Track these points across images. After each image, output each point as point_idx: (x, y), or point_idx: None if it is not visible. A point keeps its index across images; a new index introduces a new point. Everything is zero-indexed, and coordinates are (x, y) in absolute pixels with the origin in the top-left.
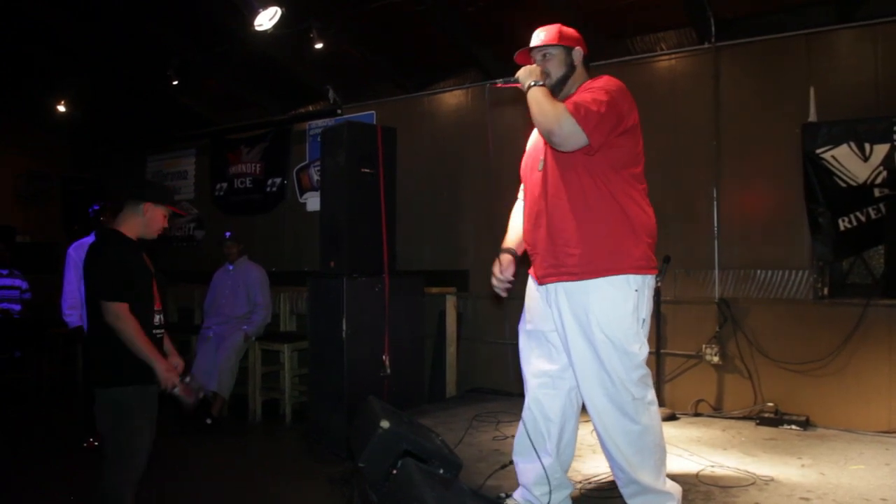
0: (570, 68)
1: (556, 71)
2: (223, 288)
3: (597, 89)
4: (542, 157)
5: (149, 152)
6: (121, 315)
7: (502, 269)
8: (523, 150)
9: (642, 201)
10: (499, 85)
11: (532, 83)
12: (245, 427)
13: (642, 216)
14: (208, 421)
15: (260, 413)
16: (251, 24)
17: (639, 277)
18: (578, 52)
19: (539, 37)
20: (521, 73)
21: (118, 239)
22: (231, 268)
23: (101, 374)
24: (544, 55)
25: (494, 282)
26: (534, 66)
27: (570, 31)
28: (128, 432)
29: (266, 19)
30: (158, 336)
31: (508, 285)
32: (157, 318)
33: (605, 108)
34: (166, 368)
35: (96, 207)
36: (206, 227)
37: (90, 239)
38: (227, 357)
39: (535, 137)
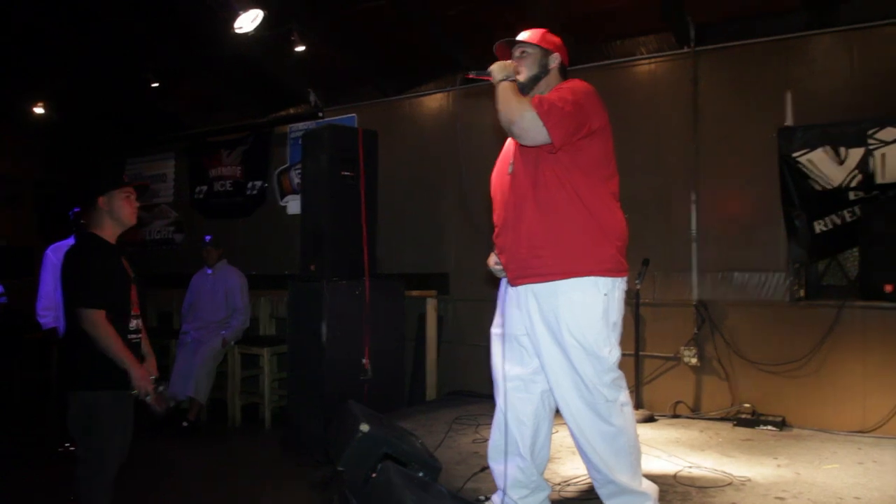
0: (544, 70)
1: (530, 69)
2: (202, 292)
3: (564, 90)
4: (511, 161)
5: (127, 155)
6: (97, 322)
7: (496, 261)
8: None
9: (612, 205)
10: (471, 76)
11: (502, 77)
12: (224, 431)
13: (611, 219)
14: (184, 424)
15: (239, 417)
16: (232, 27)
17: (608, 280)
18: (556, 58)
19: (523, 35)
20: (494, 67)
21: (96, 244)
22: (210, 272)
23: (75, 378)
24: (522, 52)
25: (492, 265)
26: (507, 61)
27: (553, 37)
28: (101, 437)
29: (247, 22)
30: (135, 341)
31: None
32: (134, 323)
33: (570, 107)
34: (141, 376)
35: (77, 210)
36: (185, 230)
37: (69, 242)
38: (204, 362)
39: (507, 143)
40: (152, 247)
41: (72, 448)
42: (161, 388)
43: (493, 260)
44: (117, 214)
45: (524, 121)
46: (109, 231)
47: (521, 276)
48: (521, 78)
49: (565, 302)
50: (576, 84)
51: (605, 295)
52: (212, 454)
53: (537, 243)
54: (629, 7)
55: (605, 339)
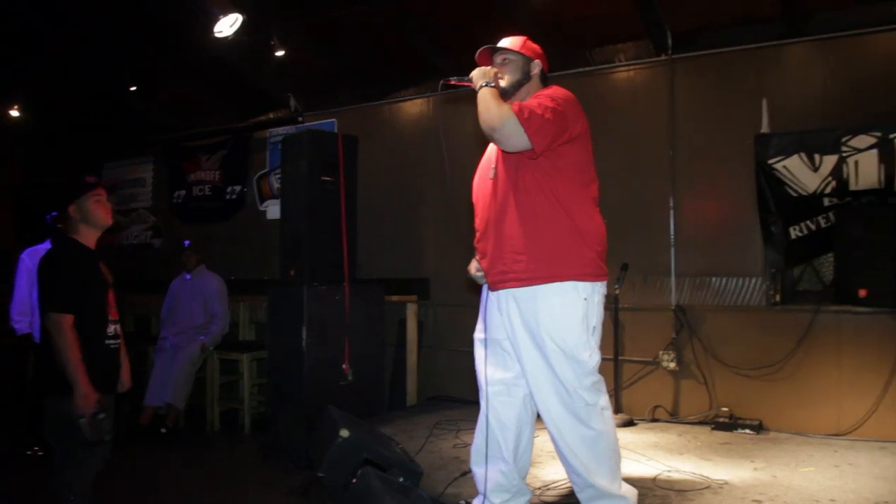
0: (525, 77)
1: (511, 76)
2: (180, 297)
3: (544, 97)
4: (493, 166)
5: (106, 159)
6: (61, 327)
7: (477, 267)
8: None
9: (591, 210)
10: (452, 81)
11: (484, 84)
12: (203, 437)
13: (591, 225)
14: (163, 431)
15: (218, 423)
16: (211, 31)
17: (587, 285)
18: (536, 65)
19: (505, 41)
20: (476, 73)
21: (73, 248)
22: (189, 277)
23: (51, 383)
24: (504, 59)
25: (472, 271)
26: (489, 67)
27: (535, 45)
28: (76, 444)
29: (227, 26)
30: (113, 347)
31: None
32: (112, 329)
33: (550, 113)
34: (85, 395)
35: (54, 214)
36: (163, 234)
37: (45, 246)
38: (182, 367)
39: (489, 149)
40: (130, 251)
41: (41, 452)
42: (101, 417)
43: (473, 267)
44: (91, 219)
45: (505, 127)
46: (87, 236)
47: (501, 281)
48: (503, 84)
49: (545, 306)
50: (556, 91)
51: (585, 299)
52: (190, 461)
53: (517, 248)
54: (608, 15)
55: (585, 342)
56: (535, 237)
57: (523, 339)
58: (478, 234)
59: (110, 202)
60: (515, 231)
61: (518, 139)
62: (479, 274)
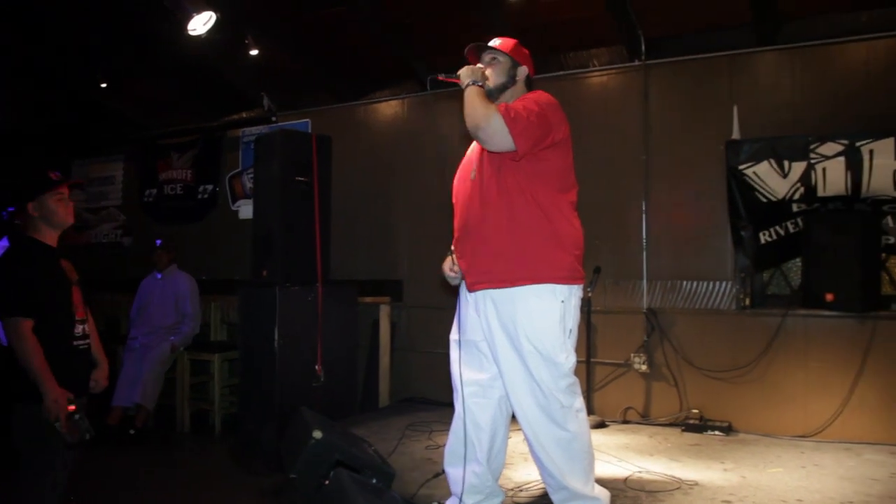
0: (511, 80)
1: (498, 77)
2: (151, 296)
3: (529, 100)
4: (475, 167)
5: (75, 157)
6: (19, 333)
7: (452, 266)
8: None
9: (570, 214)
10: (440, 78)
11: (471, 82)
12: (173, 439)
13: (569, 229)
14: (132, 432)
15: (188, 424)
16: (185, 29)
17: (565, 288)
18: (524, 70)
19: (496, 41)
20: (463, 71)
21: (31, 248)
22: (160, 276)
23: (19, 388)
24: (493, 59)
25: (446, 270)
26: (477, 66)
27: (525, 50)
28: (44, 448)
29: (200, 24)
30: (82, 347)
31: (457, 275)
32: (80, 329)
33: (535, 117)
34: (56, 398)
35: (11, 210)
36: (134, 233)
37: (3, 243)
38: (152, 368)
39: (470, 149)
40: (99, 250)
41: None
42: (77, 417)
43: (447, 265)
44: (51, 219)
45: (490, 127)
46: (47, 234)
47: (479, 282)
48: (490, 84)
49: (523, 308)
50: (541, 96)
51: (562, 302)
52: (160, 462)
53: (497, 249)
54: (582, 20)
55: (562, 345)
56: (514, 239)
57: (500, 340)
58: (456, 235)
59: (73, 200)
60: (495, 233)
61: (502, 139)
62: (453, 274)
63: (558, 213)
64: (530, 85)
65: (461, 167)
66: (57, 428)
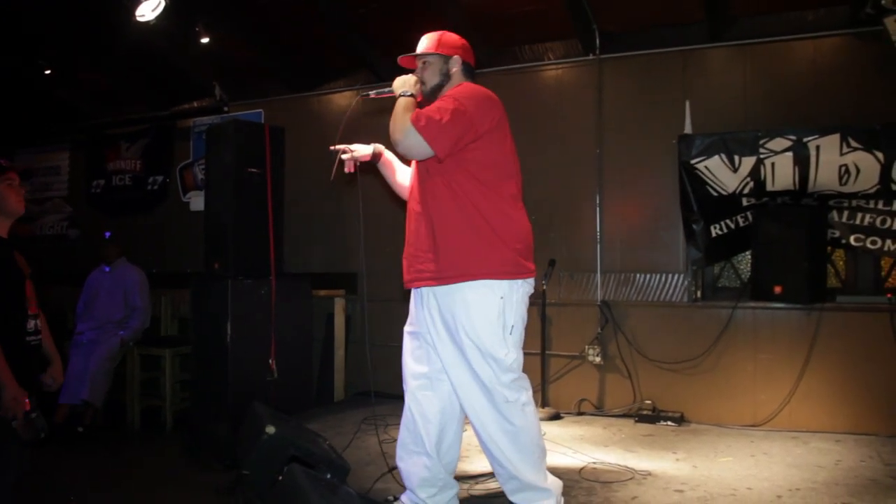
0: (445, 77)
1: (431, 79)
2: (98, 290)
3: (447, 98)
4: (412, 171)
5: (18, 146)
6: None
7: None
8: None
9: (509, 207)
10: (372, 95)
11: (401, 93)
12: (123, 436)
13: (507, 222)
14: (80, 430)
15: (139, 421)
16: (133, 15)
17: (504, 283)
18: (456, 61)
19: (421, 45)
20: (396, 83)
21: None
22: (108, 269)
23: None
24: (424, 62)
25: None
26: (409, 76)
27: (451, 38)
28: (5, 447)
29: (148, 10)
30: (34, 343)
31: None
32: (32, 324)
33: (448, 116)
34: (14, 397)
35: None
36: (80, 225)
37: None
38: (100, 363)
39: None
40: (44, 242)
41: None
42: (34, 416)
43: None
44: (2, 206)
45: (406, 139)
46: None
47: (415, 279)
48: (426, 89)
49: (461, 302)
50: (462, 90)
51: (501, 298)
52: (109, 460)
53: (430, 248)
54: (538, 13)
55: (501, 341)
56: (447, 239)
57: (442, 333)
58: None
59: (23, 188)
60: (429, 232)
61: (420, 148)
62: (346, 156)
63: (492, 208)
64: (471, 71)
65: (410, 171)
66: (13, 426)
